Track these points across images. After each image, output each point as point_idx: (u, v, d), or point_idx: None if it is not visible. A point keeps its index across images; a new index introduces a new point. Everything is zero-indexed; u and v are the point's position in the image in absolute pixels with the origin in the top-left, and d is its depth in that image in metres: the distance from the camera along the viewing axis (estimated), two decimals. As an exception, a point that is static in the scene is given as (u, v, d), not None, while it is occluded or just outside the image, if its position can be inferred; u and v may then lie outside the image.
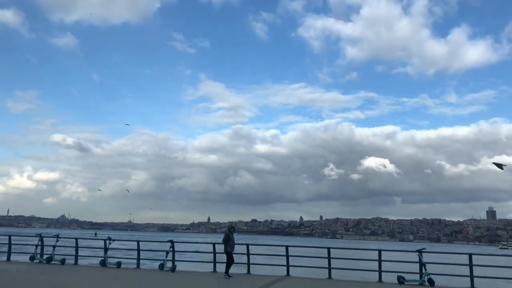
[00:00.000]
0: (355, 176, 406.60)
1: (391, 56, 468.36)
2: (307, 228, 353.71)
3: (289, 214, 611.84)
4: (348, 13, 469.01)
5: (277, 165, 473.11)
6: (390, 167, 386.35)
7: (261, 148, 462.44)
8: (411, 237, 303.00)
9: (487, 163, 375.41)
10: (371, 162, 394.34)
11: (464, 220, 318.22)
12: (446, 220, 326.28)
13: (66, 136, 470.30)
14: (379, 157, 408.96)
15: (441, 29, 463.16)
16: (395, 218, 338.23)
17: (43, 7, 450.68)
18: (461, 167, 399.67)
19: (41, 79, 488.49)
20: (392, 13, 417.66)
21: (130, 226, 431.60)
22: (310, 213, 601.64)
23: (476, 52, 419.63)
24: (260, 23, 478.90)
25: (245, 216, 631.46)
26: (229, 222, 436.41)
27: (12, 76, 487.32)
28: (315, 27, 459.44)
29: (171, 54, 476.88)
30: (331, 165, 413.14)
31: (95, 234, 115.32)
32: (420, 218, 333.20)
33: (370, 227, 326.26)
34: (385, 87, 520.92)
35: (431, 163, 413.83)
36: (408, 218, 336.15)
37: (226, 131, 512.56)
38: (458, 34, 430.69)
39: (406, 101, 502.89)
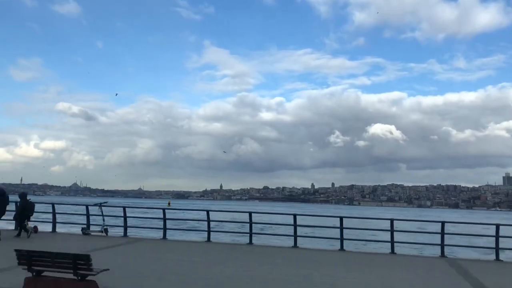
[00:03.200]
0: (361, 143, 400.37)
1: (399, 21, 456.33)
2: (322, 195, 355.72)
3: (294, 181, 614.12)
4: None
5: (282, 133, 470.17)
6: (396, 133, 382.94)
7: (266, 116, 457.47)
8: (428, 203, 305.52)
9: (494, 129, 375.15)
10: (377, 128, 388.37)
11: (480, 186, 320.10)
12: (462, 186, 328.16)
13: (71, 104, 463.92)
14: (385, 123, 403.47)
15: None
16: (404, 184, 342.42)
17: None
18: (468, 133, 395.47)
19: (45, 47, 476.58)
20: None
21: (141, 194, 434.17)
22: (314, 180, 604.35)
23: (487, 16, 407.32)
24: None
25: (251, 182, 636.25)
26: (241, 189, 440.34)
27: (15, 44, 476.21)
28: None
29: (175, 21, 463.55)
30: (337, 132, 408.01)
31: (169, 204, 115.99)
32: (435, 184, 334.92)
33: (386, 193, 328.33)
34: (392, 53, 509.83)
35: (437, 129, 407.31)
36: (423, 185, 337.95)
37: (231, 99, 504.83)
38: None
39: (414, 66, 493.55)
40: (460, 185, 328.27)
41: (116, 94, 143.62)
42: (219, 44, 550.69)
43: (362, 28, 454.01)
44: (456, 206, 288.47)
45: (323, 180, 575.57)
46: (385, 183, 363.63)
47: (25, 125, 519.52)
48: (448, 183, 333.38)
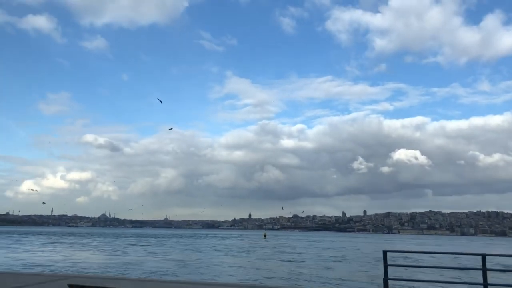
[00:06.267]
0: (385, 169, 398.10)
1: (421, 46, 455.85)
2: (357, 223, 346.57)
3: (318, 209, 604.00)
4: (376, 4, 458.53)
5: (304, 159, 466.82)
6: (422, 158, 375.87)
7: (287, 143, 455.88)
8: (471, 230, 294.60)
9: None
10: (401, 154, 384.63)
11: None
12: (504, 212, 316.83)
13: (97, 136, 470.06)
14: (409, 149, 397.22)
15: (473, 16, 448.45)
16: (442, 211, 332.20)
17: (74, 12, 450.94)
18: (496, 157, 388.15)
19: (73, 81, 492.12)
20: (422, 2, 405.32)
21: (168, 224, 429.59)
22: (338, 207, 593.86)
23: (510, 39, 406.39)
24: (287, 18, 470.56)
25: (274, 211, 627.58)
26: (270, 218, 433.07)
27: (44, 79, 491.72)
28: (343, 19, 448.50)
29: (199, 53, 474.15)
30: (360, 159, 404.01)
31: (265, 236, 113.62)
32: (475, 211, 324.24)
33: (426, 221, 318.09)
34: (414, 78, 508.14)
35: (463, 154, 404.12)
36: (463, 211, 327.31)
37: (252, 127, 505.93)
38: (491, 20, 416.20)
39: (437, 91, 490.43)
40: (502, 211, 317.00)
41: (161, 101, 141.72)
42: (241, 74, 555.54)
43: (383, 54, 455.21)
44: (503, 234, 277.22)
45: (347, 207, 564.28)
46: (412, 210, 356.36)
47: (52, 157, 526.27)
48: (490, 210, 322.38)
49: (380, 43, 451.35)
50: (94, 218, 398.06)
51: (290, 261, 36.61)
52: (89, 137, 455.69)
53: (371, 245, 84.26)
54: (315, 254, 47.72)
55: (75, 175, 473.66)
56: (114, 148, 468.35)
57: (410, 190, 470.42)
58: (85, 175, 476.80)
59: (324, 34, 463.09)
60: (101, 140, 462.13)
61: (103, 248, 51.90)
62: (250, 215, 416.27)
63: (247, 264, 31.84)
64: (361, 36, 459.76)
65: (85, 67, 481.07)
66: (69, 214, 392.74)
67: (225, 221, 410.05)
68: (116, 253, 42.95)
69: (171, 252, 46.23)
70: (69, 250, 46.79)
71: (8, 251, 42.48)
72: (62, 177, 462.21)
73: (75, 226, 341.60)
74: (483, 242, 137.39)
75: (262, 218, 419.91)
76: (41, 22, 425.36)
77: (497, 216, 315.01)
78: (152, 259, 35.21)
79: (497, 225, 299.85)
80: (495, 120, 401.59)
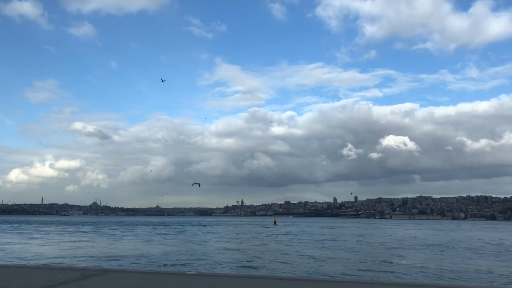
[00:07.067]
0: (374, 155, 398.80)
1: (410, 32, 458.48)
2: (349, 209, 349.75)
3: (308, 195, 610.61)
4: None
5: (294, 146, 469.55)
6: (410, 144, 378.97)
7: (277, 130, 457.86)
8: (462, 215, 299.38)
9: (510, 138, 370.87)
10: (390, 140, 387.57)
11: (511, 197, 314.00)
12: (493, 197, 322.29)
13: (86, 124, 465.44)
14: (398, 135, 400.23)
15: (462, 2, 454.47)
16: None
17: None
18: (483, 142, 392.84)
19: (60, 69, 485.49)
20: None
21: (160, 211, 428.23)
22: (328, 194, 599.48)
23: (498, 25, 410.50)
24: (277, 4, 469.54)
25: (265, 197, 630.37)
26: (263, 204, 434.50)
27: (31, 67, 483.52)
28: (333, 5, 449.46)
29: (188, 40, 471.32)
30: (350, 145, 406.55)
31: (275, 222, 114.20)
32: (464, 195, 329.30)
33: (417, 206, 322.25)
34: (404, 65, 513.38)
35: (451, 140, 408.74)
36: (453, 196, 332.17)
37: (242, 114, 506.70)
38: (480, 6, 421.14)
39: (425, 77, 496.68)
40: (491, 196, 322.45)
41: (163, 80, 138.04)
42: (231, 60, 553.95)
43: (373, 40, 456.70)
44: (493, 217, 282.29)
45: (337, 193, 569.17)
46: (401, 195, 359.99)
47: (41, 145, 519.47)
48: (478, 194, 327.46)
49: (370, 30, 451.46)
50: (85, 206, 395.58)
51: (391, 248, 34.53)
52: (78, 125, 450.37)
53: (401, 230, 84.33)
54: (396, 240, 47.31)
55: (64, 163, 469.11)
56: (103, 136, 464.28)
57: (398, 176, 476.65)
58: (74, 164, 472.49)
59: (315, 20, 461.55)
60: (90, 128, 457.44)
61: (147, 236, 51.00)
62: (242, 202, 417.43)
63: (341, 256, 28.34)
64: (351, 23, 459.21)
65: (73, 54, 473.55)
66: (60, 202, 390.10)
67: (218, 208, 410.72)
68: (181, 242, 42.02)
69: (231, 241, 44.37)
70: (111, 239, 45.83)
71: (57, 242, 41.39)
72: (51, 166, 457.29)
73: (67, 215, 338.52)
74: (474, 226, 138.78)
75: (255, 205, 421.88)
76: (26, 8, 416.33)
77: (486, 200, 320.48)
78: (211, 249, 33.76)
79: (486, 209, 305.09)
80: (482, 106, 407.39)
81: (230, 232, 66.04)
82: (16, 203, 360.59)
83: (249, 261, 24.36)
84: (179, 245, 37.85)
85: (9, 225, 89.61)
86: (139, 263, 23.33)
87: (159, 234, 58.20)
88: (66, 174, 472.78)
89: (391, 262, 24.73)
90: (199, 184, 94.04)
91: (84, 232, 62.99)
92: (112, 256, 26.62)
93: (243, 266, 21.88)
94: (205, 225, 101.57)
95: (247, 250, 32.53)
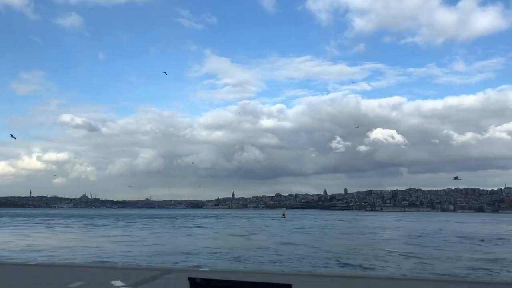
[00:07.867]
0: (362, 148, 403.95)
1: (399, 26, 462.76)
2: (340, 201, 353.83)
3: (297, 188, 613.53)
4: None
5: (284, 139, 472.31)
6: (398, 137, 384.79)
7: (267, 123, 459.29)
8: (451, 207, 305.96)
9: (495, 131, 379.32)
10: (378, 133, 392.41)
11: (498, 189, 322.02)
12: (481, 189, 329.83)
13: (74, 116, 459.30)
14: (386, 128, 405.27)
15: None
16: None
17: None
18: (469, 135, 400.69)
19: (47, 60, 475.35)
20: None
21: (149, 204, 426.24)
22: (316, 186, 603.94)
23: (486, 19, 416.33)
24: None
25: (254, 190, 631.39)
26: (254, 197, 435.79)
27: (17, 58, 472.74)
28: None
29: (177, 31, 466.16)
30: (338, 138, 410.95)
31: (283, 215, 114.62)
32: (453, 188, 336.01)
33: (407, 198, 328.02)
34: (392, 58, 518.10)
35: (438, 133, 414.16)
36: (442, 188, 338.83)
37: (232, 107, 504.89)
38: (468, 1, 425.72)
39: (413, 71, 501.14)
40: (479, 188, 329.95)
41: (165, 73, 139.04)
42: (220, 52, 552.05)
43: (362, 34, 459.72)
44: (481, 209, 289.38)
45: (325, 186, 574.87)
46: (389, 188, 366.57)
47: (28, 138, 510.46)
48: (467, 187, 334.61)
49: (359, 23, 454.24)
50: (75, 199, 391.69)
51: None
52: (65, 117, 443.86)
53: (418, 223, 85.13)
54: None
55: (52, 155, 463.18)
56: (91, 128, 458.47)
57: (386, 169, 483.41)
58: (62, 156, 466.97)
59: (305, 13, 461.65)
60: (78, 120, 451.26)
61: (165, 230, 51.22)
62: (233, 195, 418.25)
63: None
64: (340, 16, 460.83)
65: (60, 45, 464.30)
66: (49, 195, 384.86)
67: (209, 201, 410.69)
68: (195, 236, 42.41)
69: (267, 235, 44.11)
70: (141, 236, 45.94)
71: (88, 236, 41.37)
72: (39, 158, 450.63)
73: (57, 208, 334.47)
74: (470, 218, 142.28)
75: (246, 197, 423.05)
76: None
77: (474, 192, 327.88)
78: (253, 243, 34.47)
79: (474, 201, 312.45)
80: (468, 100, 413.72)
81: (276, 227, 63.97)
82: (3, 195, 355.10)
83: (347, 259, 23.38)
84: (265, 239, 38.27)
85: (27, 219, 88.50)
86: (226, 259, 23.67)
87: (197, 227, 58.57)
88: (54, 167, 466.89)
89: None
90: (15, 137, 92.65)
91: (107, 225, 62.81)
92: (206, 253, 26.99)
93: (346, 264, 22.25)
94: (217, 218, 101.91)
95: (332, 247, 30.23)
